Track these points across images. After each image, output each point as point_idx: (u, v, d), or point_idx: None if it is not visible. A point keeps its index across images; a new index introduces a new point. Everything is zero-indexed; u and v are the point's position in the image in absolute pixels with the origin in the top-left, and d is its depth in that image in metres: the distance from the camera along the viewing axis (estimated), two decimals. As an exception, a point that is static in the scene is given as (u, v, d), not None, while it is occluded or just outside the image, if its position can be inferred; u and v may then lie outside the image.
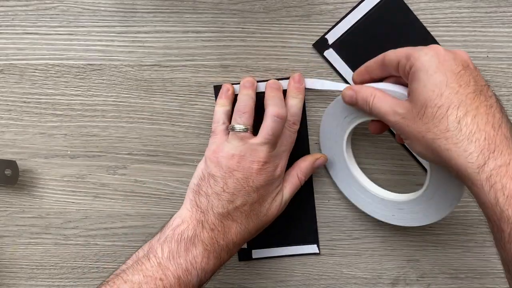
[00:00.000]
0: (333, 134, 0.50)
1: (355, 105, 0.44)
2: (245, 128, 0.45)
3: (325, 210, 0.53)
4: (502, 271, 0.54)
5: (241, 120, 0.46)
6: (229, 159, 0.45)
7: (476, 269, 0.54)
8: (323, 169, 0.52)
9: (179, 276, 0.42)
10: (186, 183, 0.50)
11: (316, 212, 0.53)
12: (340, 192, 0.53)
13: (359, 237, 0.54)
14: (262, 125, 0.46)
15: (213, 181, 0.45)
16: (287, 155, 0.49)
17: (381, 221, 0.52)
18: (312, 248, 0.54)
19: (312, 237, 0.53)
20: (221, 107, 0.49)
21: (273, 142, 0.46)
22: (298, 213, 0.53)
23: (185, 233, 0.44)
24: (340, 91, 0.46)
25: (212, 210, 0.45)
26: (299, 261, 0.55)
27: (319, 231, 0.54)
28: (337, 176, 0.52)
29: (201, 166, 0.47)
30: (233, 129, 0.46)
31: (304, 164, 0.50)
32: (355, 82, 0.47)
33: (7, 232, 0.55)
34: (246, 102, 0.47)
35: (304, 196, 0.52)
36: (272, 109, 0.45)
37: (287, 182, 0.49)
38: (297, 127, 0.49)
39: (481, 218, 0.53)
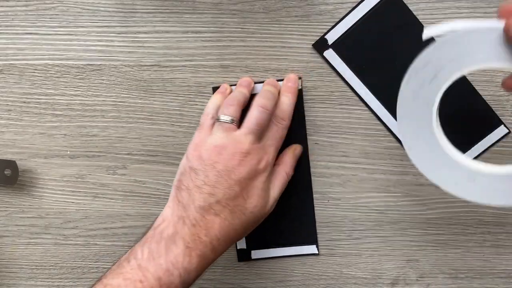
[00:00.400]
0: (418, 99, 0.41)
1: None
2: (231, 119, 0.45)
3: (325, 210, 0.53)
4: (502, 271, 0.54)
5: (228, 111, 0.45)
6: (211, 151, 0.44)
7: (476, 269, 0.54)
8: (323, 169, 0.52)
9: (160, 277, 0.40)
10: (186, 183, 0.49)
11: (316, 212, 0.53)
12: (340, 192, 0.53)
13: (359, 237, 0.54)
14: (247, 115, 0.45)
15: (194, 174, 0.44)
16: (275, 151, 0.47)
17: (382, 221, 0.52)
18: (311, 249, 0.54)
19: (311, 238, 0.53)
20: (214, 101, 0.48)
21: (257, 133, 0.45)
22: (297, 214, 0.53)
23: (165, 232, 0.42)
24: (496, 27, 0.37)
25: (193, 203, 0.43)
26: (299, 261, 0.55)
27: (318, 231, 0.54)
28: (419, 155, 0.42)
29: (183, 161, 0.46)
30: (218, 119, 0.45)
31: (286, 158, 0.49)
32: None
33: (6, 232, 0.55)
34: (236, 96, 0.47)
35: (303, 196, 0.52)
36: (258, 100, 0.46)
37: (275, 179, 0.48)
38: (285, 123, 0.48)
39: (481, 218, 0.53)
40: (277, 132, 0.47)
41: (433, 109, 0.41)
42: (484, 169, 0.42)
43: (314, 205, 0.53)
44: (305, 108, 0.51)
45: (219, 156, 0.44)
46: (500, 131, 0.51)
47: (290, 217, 0.53)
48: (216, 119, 0.45)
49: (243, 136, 0.44)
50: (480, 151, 0.51)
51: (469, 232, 0.54)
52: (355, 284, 0.55)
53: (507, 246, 0.53)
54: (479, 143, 0.51)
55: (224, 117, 0.45)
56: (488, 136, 0.51)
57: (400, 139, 0.43)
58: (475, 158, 0.51)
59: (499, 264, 0.54)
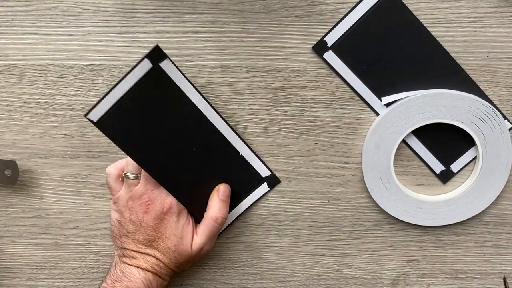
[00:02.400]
0: (380, 149, 0.50)
1: None
2: (135, 176, 0.48)
3: (325, 210, 0.53)
4: (502, 271, 0.54)
5: (131, 167, 0.48)
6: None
7: (476, 269, 0.54)
8: (323, 169, 0.52)
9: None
10: (186, 183, 0.49)
11: (316, 212, 0.53)
12: (340, 192, 0.53)
13: (359, 237, 0.54)
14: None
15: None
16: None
17: (382, 221, 0.52)
18: (263, 188, 0.53)
19: (257, 179, 0.53)
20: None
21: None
22: (232, 170, 0.52)
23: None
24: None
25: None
26: (299, 261, 0.55)
27: (318, 231, 0.54)
28: (379, 194, 0.52)
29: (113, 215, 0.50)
30: (126, 177, 0.48)
31: (212, 202, 0.50)
32: None
33: (7, 233, 0.55)
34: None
35: (225, 151, 0.51)
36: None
37: (201, 224, 0.49)
38: None
39: (481, 218, 0.53)
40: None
41: (391, 156, 0.51)
42: (428, 198, 0.52)
43: (254, 152, 0.52)
44: (305, 108, 0.51)
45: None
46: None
47: (229, 176, 0.52)
48: (124, 177, 0.49)
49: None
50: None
51: (469, 232, 0.54)
52: (356, 285, 0.55)
53: (507, 246, 0.53)
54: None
55: (130, 174, 0.48)
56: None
57: (365, 183, 0.52)
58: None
59: (499, 264, 0.54)
